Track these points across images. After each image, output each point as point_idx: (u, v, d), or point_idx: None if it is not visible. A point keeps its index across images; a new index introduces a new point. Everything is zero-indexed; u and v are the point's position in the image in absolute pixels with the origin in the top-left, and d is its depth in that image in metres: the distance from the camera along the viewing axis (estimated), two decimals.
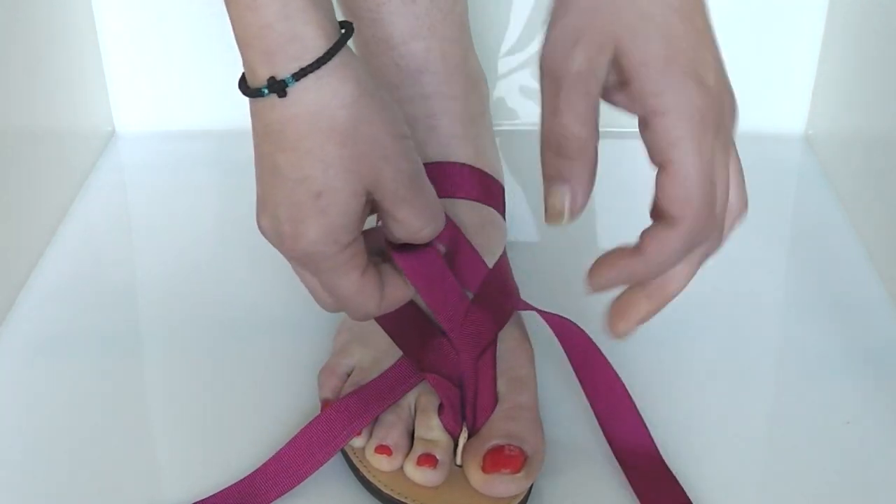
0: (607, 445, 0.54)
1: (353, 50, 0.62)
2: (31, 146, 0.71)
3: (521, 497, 0.51)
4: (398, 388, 0.53)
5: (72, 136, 0.79)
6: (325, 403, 0.54)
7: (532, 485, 0.52)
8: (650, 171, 0.86)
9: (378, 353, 0.56)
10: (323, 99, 0.43)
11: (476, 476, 0.51)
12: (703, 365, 0.62)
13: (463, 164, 0.59)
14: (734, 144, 0.43)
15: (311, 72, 0.42)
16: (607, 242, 0.72)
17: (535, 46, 0.82)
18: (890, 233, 0.68)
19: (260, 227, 0.47)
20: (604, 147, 0.86)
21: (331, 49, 0.43)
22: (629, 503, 0.52)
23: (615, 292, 0.47)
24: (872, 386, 0.60)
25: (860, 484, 0.54)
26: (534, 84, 0.86)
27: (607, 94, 0.42)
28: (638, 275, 0.44)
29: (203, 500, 0.52)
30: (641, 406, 0.58)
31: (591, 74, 0.40)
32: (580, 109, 0.41)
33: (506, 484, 0.50)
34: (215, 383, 0.60)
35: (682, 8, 0.40)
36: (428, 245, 0.50)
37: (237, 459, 0.55)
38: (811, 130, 0.84)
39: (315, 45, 0.42)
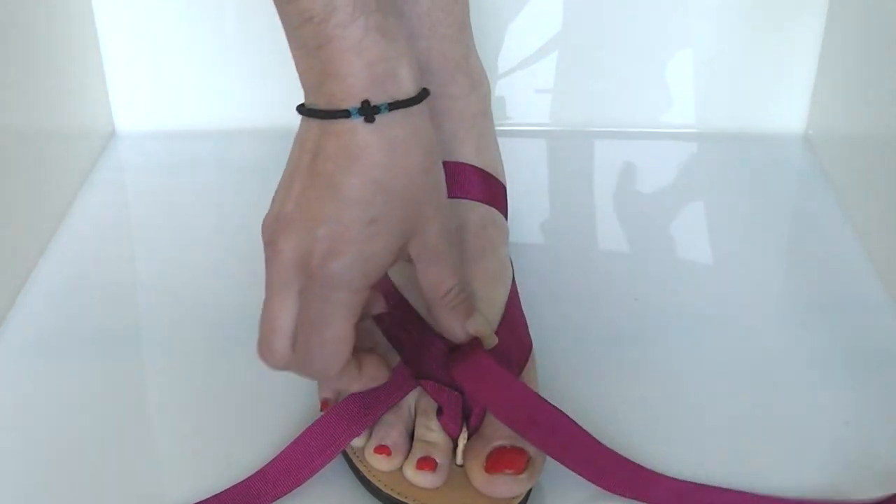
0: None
1: None
2: (32, 146, 0.71)
3: (521, 497, 0.51)
4: (398, 391, 0.53)
5: (72, 136, 0.79)
6: (325, 403, 0.54)
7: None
8: (650, 173, 0.87)
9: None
10: (406, 134, 0.45)
11: (478, 476, 0.51)
12: (702, 365, 0.62)
13: (465, 164, 0.59)
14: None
15: (403, 106, 0.44)
16: (607, 243, 0.73)
17: (535, 46, 0.82)
18: (890, 233, 0.68)
19: (278, 242, 0.46)
20: (603, 147, 0.86)
21: (421, 93, 0.45)
22: (630, 503, 0.52)
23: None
24: (872, 386, 0.60)
25: (860, 484, 0.54)
26: (534, 84, 0.87)
27: None
28: None
29: (201, 501, 0.52)
30: (640, 406, 0.58)
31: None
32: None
33: (508, 484, 0.50)
34: (215, 383, 0.60)
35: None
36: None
37: (237, 459, 0.55)
38: (811, 130, 0.84)
39: (408, 87, 0.45)
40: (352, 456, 0.53)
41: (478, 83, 0.62)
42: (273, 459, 0.52)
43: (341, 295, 0.46)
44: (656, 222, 0.74)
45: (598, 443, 0.51)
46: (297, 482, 0.52)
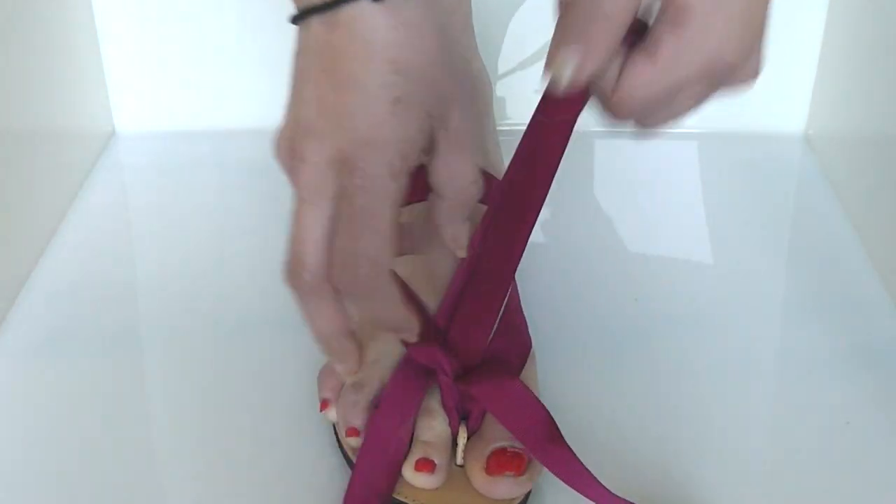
0: (609, 446, 0.55)
1: None
2: (31, 146, 0.71)
3: (521, 498, 0.51)
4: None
5: (72, 136, 0.79)
6: (325, 403, 0.54)
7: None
8: (650, 173, 0.87)
9: (377, 353, 0.55)
10: (417, 15, 0.43)
11: (479, 477, 0.51)
12: (703, 365, 0.62)
13: None
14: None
15: None
16: (607, 243, 0.72)
17: (535, 46, 0.82)
18: (890, 233, 0.68)
19: (304, 152, 0.45)
20: (603, 147, 0.86)
21: None
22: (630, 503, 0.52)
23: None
24: (872, 386, 0.60)
25: (860, 484, 0.54)
26: (534, 84, 0.86)
27: None
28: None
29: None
30: (641, 406, 0.58)
31: None
32: None
33: (509, 486, 0.50)
34: (215, 383, 0.60)
35: None
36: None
37: (237, 459, 0.55)
38: (811, 130, 0.84)
39: None
40: (352, 456, 0.53)
41: (481, 85, 0.62)
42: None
43: (383, 181, 0.44)
44: (656, 222, 0.74)
45: (607, 490, 0.50)
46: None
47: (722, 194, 0.78)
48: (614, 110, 0.43)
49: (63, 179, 0.76)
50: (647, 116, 0.44)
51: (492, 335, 0.53)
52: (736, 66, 0.42)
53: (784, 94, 0.83)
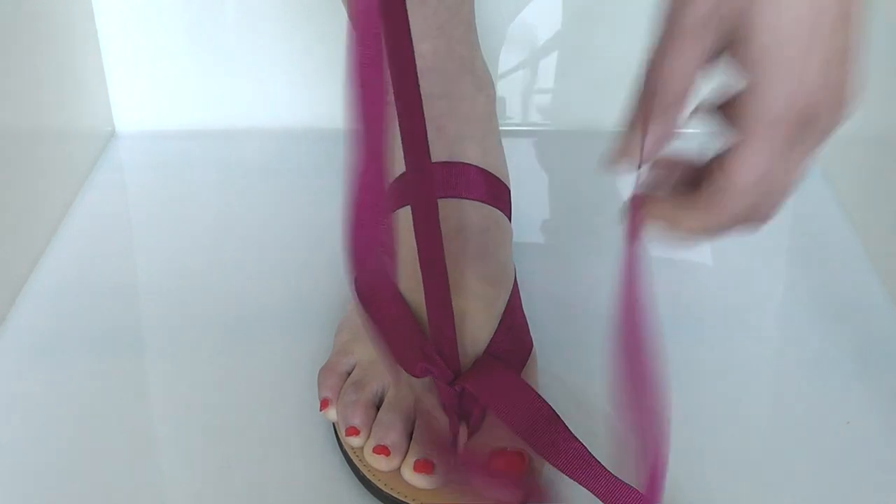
0: (608, 446, 0.54)
1: None
2: (31, 146, 0.71)
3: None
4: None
5: (72, 136, 0.79)
6: (325, 402, 0.54)
7: None
8: None
9: (377, 353, 0.55)
10: None
11: (479, 477, 0.51)
12: (702, 365, 0.62)
13: (470, 165, 0.59)
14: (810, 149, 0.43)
15: None
16: (607, 242, 0.72)
17: (535, 46, 0.82)
18: (890, 233, 0.68)
19: None
20: (603, 147, 0.86)
21: None
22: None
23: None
24: (872, 386, 0.60)
25: (860, 484, 0.54)
26: (534, 84, 0.87)
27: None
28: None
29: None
30: None
31: (708, 26, 0.40)
32: (687, 56, 0.41)
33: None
34: (215, 383, 0.60)
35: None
36: None
37: (237, 458, 0.55)
38: None
39: None
40: (352, 456, 0.53)
41: (484, 84, 0.62)
42: None
43: None
44: None
45: (617, 479, 0.49)
46: None
47: None
48: (727, 205, 0.43)
49: (63, 179, 0.76)
50: (760, 202, 0.43)
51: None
52: (821, 112, 0.40)
53: None
